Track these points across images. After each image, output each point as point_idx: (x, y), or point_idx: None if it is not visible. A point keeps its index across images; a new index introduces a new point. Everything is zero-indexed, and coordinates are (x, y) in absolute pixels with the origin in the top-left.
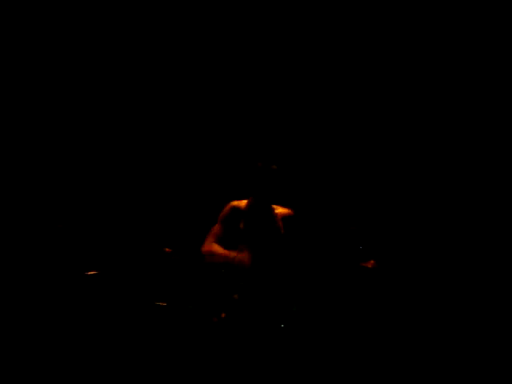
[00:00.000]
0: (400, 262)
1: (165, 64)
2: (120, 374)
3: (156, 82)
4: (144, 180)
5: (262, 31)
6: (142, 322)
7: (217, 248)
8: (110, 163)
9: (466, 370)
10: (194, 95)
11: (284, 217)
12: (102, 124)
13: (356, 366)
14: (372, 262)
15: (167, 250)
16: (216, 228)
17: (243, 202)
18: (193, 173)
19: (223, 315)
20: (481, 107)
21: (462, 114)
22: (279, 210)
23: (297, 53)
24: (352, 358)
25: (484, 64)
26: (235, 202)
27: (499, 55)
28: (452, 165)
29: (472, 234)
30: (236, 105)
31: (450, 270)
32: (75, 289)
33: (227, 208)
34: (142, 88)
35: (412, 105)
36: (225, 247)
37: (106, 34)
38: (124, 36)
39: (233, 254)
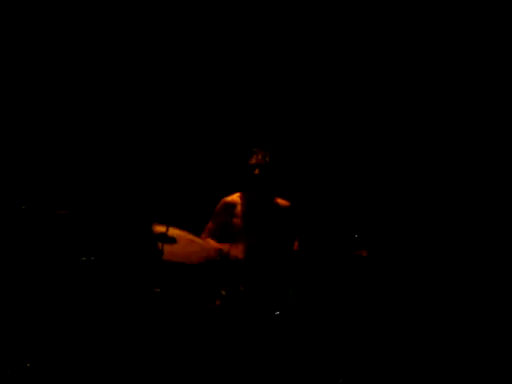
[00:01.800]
0: (395, 251)
1: (159, 56)
2: (115, 360)
3: (150, 75)
4: (139, 171)
5: (256, 24)
6: (137, 308)
7: (211, 242)
8: (106, 157)
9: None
10: (189, 90)
11: (282, 207)
12: (97, 116)
13: (350, 353)
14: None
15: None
16: (210, 224)
17: (235, 196)
18: (189, 167)
19: (218, 303)
20: (481, 107)
21: (461, 114)
22: (278, 201)
23: (293, 46)
24: (346, 346)
25: (484, 64)
26: (228, 198)
27: (499, 55)
28: (447, 161)
29: (467, 229)
30: (233, 100)
31: (444, 260)
32: (70, 274)
33: (220, 204)
34: (136, 81)
35: (409, 101)
36: (218, 242)
37: (106, 34)
38: (121, 33)
39: (226, 247)
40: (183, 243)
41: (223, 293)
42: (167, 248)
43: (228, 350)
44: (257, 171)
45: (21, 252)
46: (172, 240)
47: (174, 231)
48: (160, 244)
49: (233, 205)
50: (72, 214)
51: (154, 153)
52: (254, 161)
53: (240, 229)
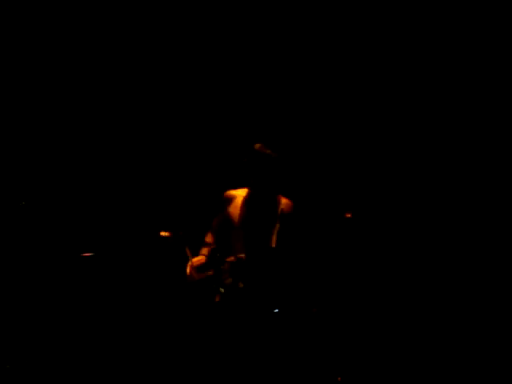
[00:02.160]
0: (394, 249)
1: (164, 49)
2: (115, 355)
3: (154, 68)
4: (144, 164)
5: (257, 24)
6: (138, 303)
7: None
8: (109, 147)
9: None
10: (194, 85)
11: (283, 207)
12: (98, 115)
13: (349, 351)
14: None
15: (165, 233)
16: (214, 219)
17: (240, 190)
18: (195, 160)
19: (217, 299)
20: (481, 107)
21: (460, 113)
22: (281, 199)
23: (297, 43)
24: (345, 344)
25: (484, 64)
26: (231, 190)
27: (499, 55)
28: (447, 159)
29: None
30: (238, 97)
31: (443, 260)
32: (71, 270)
33: (222, 197)
34: (140, 75)
35: (408, 96)
36: (220, 235)
37: (106, 34)
38: (121, 33)
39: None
40: None
41: (222, 290)
42: None
43: (227, 348)
44: (265, 165)
45: (21, 247)
46: None
47: None
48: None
49: (234, 196)
50: (73, 212)
51: (158, 154)
52: (262, 154)
53: (236, 220)
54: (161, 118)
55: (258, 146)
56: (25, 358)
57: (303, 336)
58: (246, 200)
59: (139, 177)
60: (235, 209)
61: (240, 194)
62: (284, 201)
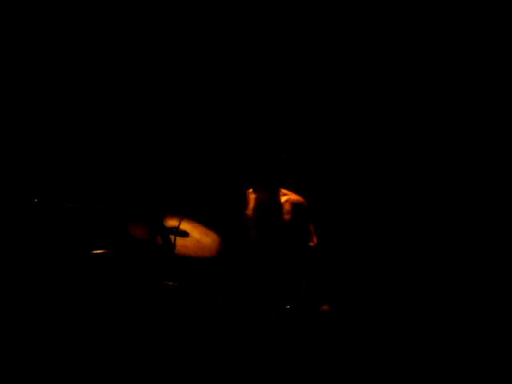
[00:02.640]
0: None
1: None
2: (123, 354)
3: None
4: (155, 164)
5: (263, 23)
6: (148, 300)
7: None
8: (123, 140)
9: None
10: (205, 87)
11: (294, 203)
12: (106, 110)
13: (358, 347)
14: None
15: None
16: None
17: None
18: (202, 157)
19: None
20: (481, 107)
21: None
22: (291, 196)
23: (304, 46)
24: (354, 342)
25: (484, 64)
26: (250, 189)
27: (499, 55)
28: (452, 162)
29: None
30: (246, 98)
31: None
32: (82, 267)
33: (246, 195)
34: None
35: (412, 93)
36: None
37: (106, 34)
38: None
39: None
40: (195, 236)
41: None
42: (179, 241)
43: (236, 345)
44: (274, 168)
45: (33, 245)
46: (184, 234)
47: (186, 223)
48: (172, 237)
49: (251, 196)
50: (84, 208)
51: (167, 145)
52: (272, 157)
53: (250, 221)
54: (169, 119)
55: (268, 147)
56: (29, 356)
57: (314, 333)
58: (257, 199)
59: (149, 175)
60: (250, 207)
61: (252, 193)
62: (296, 197)
